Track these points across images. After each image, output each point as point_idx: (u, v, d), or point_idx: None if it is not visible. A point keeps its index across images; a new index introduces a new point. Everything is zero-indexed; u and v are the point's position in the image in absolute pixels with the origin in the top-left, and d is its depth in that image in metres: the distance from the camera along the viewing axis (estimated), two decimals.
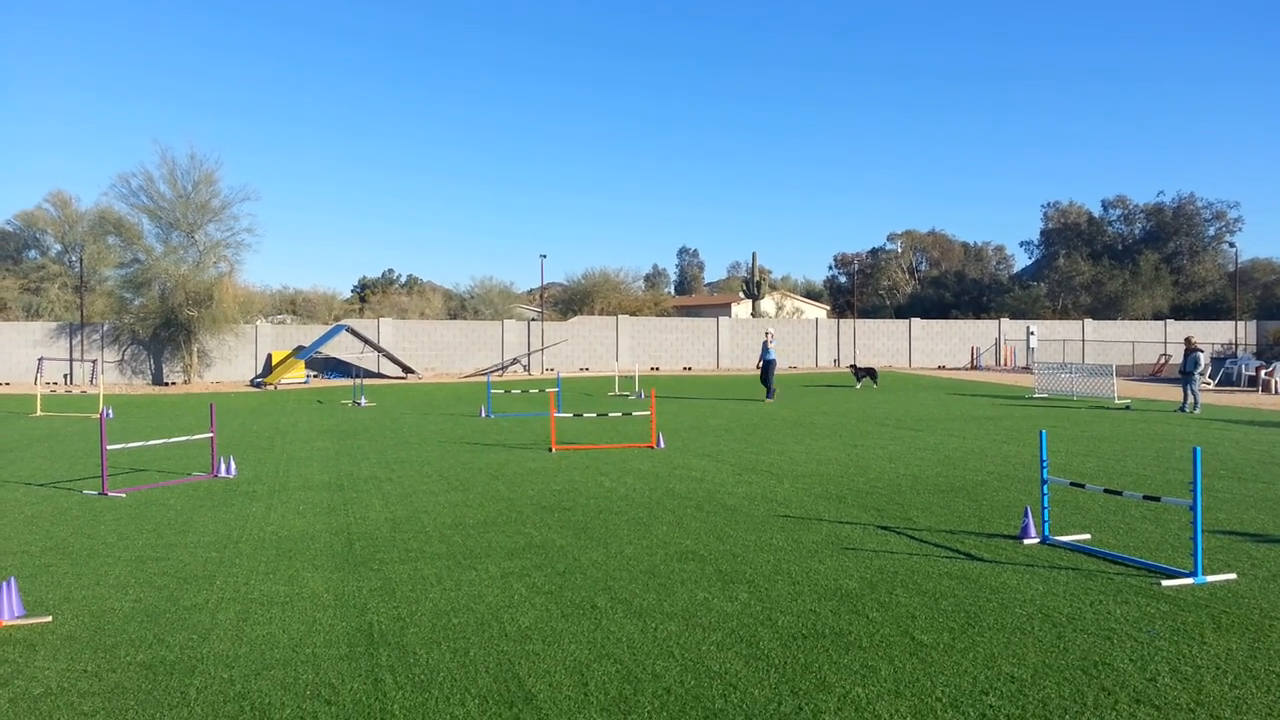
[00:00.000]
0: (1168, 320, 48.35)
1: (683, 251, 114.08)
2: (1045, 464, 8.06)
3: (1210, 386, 29.28)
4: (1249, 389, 28.92)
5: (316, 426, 18.73)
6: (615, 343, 41.08)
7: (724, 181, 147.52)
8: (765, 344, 24.43)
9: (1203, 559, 6.76)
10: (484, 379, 33.58)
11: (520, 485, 11.07)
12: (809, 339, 43.91)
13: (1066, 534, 8.10)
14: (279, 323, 44.45)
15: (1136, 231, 64.74)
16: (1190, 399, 20.96)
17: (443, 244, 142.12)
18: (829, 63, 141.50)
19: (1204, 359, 22.69)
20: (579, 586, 6.69)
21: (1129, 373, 36.58)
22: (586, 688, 4.80)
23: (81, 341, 34.89)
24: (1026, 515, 8.12)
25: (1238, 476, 11.28)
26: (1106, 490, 7.78)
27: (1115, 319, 51.10)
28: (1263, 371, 28.72)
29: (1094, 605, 6.11)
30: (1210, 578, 6.65)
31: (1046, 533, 7.93)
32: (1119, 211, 65.65)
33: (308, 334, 37.64)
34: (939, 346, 44.76)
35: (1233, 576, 6.72)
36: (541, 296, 46.37)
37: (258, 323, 37.85)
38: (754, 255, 55.60)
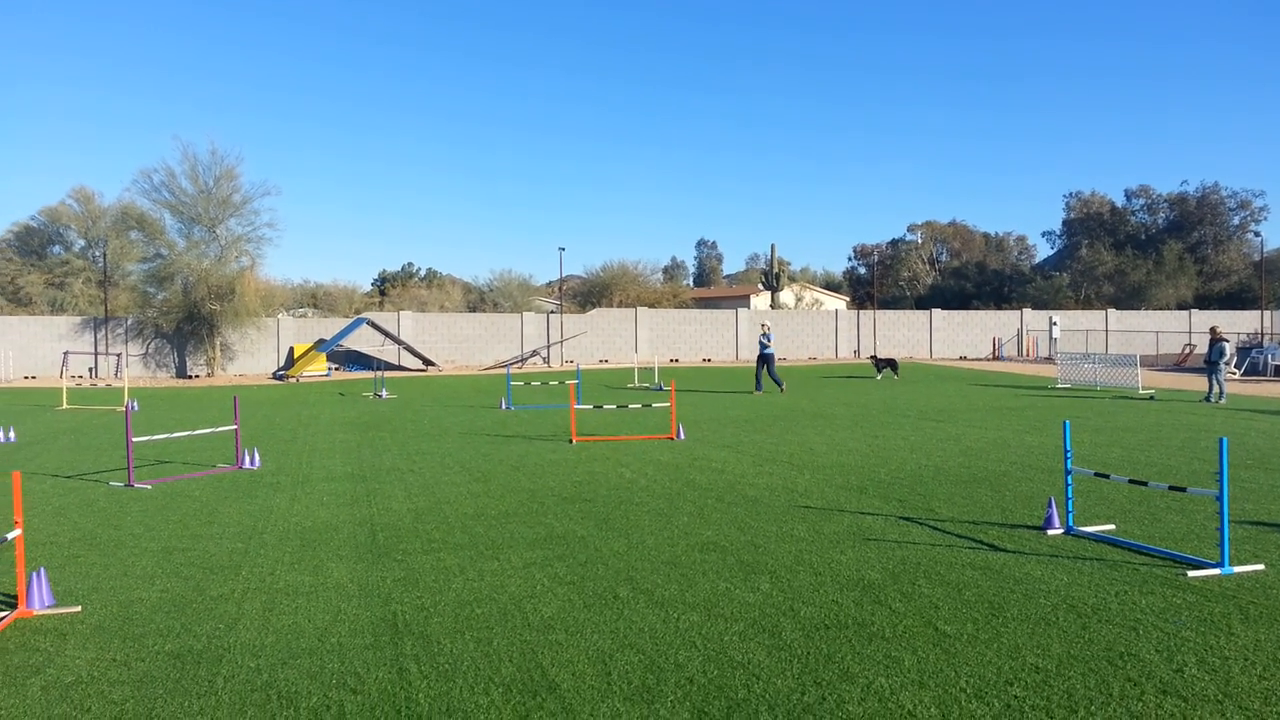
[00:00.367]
0: (1192, 310, 47.91)
1: (701, 243, 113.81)
2: (1069, 454, 8.01)
3: (1236, 376, 28.98)
4: (1275, 379, 28.59)
5: (338, 419, 18.84)
6: (634, 335, 41.09)
7: (743, 173, 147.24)
8: (761, 338, 24.01)
9: (1229, 549, 6.69)
10: (504, 371, 33.68)
11: (541, 476, 11.10)
12: (829, 330, 43.76)
13: (1091, 525, 8.04)
14: (300, 316, 44.74)
15: (1160, 221, 64.10)
16: (1215, 389, 20.75)
17: (462, 237, 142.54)
18: (849, 56, 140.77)
19: (1229, 348, 22.47)
20: (601, 577, 6.70)
21: (1153, 363, 36.25)
22: (609, 677, 4.81)
23: (106, 335, 35.23)
24: (1050, 506, 8.07)
25: (1264, 466, 11.17)
26: (1131, 480, 7.73)
27: (1139, 309, 50.65)
28: None
29: (1119, 596, 6.06)
30: (1237, 568, 6.59)
31: (1070, 523, 7.88)
32: (1142, 201, 65.04)
33: (329, 327, 37.85)
34: (960, 337, 44.51)
35: (1260, 567, 6.66)
36: (560, 289, 46.44)
37: (279, 316, 38.09)
38: (773, 247, 55.48)
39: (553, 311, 43.80)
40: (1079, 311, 48.16)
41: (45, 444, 15.13)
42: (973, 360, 41.78)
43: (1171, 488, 7.33)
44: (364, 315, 38.77)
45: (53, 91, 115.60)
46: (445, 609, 5.99)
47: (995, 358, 42.86)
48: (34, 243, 45.67)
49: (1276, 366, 29.68)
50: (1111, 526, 8.01)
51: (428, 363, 37.34)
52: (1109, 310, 46.67)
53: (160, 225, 35.59)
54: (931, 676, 4.76)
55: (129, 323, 35.65)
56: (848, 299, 68.90)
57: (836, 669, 4.88)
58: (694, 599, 6.14)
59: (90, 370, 34.79)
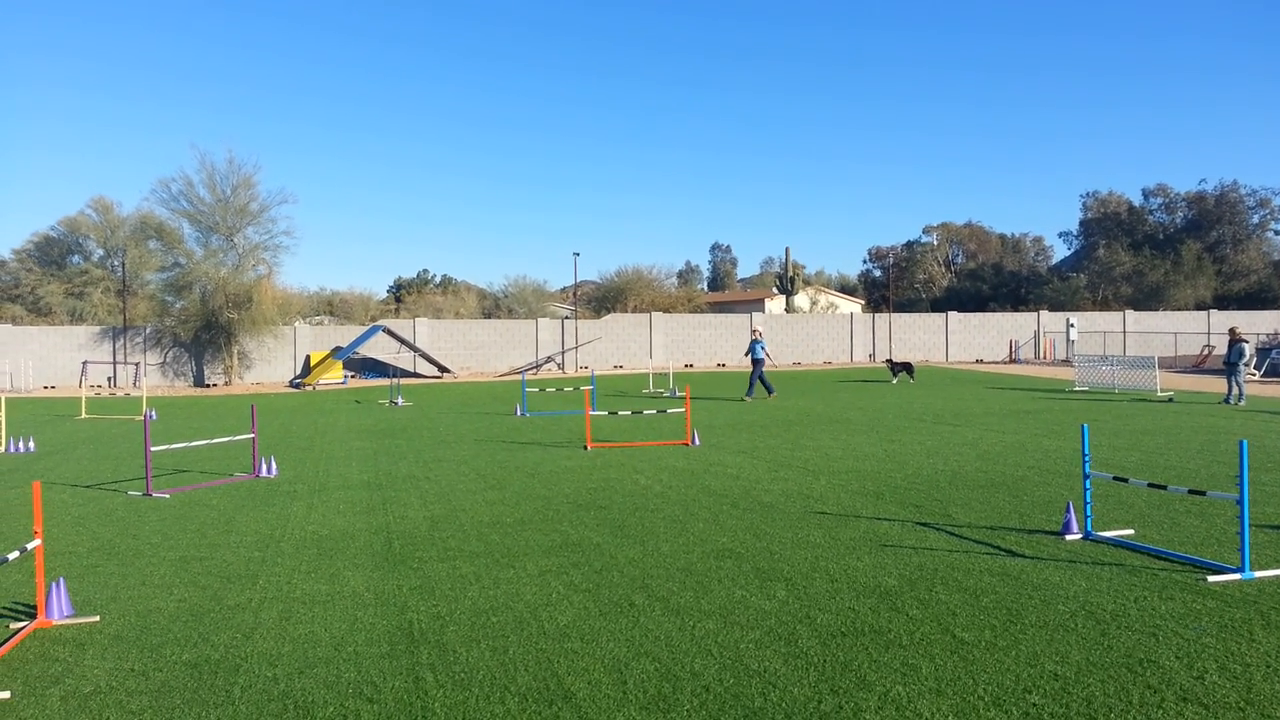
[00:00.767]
0: (1211, 310, 47.50)
1: (715, 248, 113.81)
2: (1087, 458, 7.95)
3: (1256, 377, 28.72)
4: None
5: (355, 426, 18.91)
6: (649, 340, 41.08)
7: (756, 177, 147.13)
8: (753, 342, 23.52)
9: (1250, 554, 6.63)
10: (519, 377, 33.73)
11: (556, 483, 11.11)
12: (844, 334, 43.64)
13: (1109, 529, 7.99)
14: (317, 324, 44.94)
15: (1178, 220, 63.63)
16: (1235, 390, 20.57)
17: (476, 244, 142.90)
18: (862, 56, 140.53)
19: (1249, 349, 22.27)
20: (616, 584, 6.70)
21: (1172, 364, 35.98)
22: (625, 686, 4.81)
23: (124, 345, 35.50)
24: (1068, 510, 8.01)
25: None
26: (1150, 484, 7.66)
27: (1157, 310, 50.28)
28: None
29: (1138, 602, 6.01)
30: (1258, 573, 6.52)
31: (1089, 528, 7.82)
32: (1160, 200, 64.58)
33: (345, 335, 38.02)
34: (976, 340, 44.29)
35: None
36: (575, 294, 46.47)
37: (296, 324, 38.28)
38: (787, 250, 55.37)
39: (567, 317, 43.85)
40: (1096, 313, 47.85)
41: (64, 453, 15.25)
42: (989, 363, 41.56)
43: (1191, 491, 7.26)
44: (380, 322, 38.91)
45: (71, 100, 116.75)
46: (461, 617, 6.00)
47: (1012, 360, 42.62)
48: (54, 253, 46.09)
49: None
50: (1130, 531, 7.95)
51: (443, 369, 37.44)
52: (1127, 311, 46.34)
53: (178, 234, 35.87)
54: (949, 684, 4.73)
55: (147, 332, 35.90)
56: (863, 302, 68.72)
57: (853, 677, 4.86)
58: (710, 606, 6.12)
59: (109, 380, 35.05)
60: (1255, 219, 61.37)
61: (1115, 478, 7.91)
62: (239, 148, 44.38)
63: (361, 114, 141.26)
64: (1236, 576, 6.46)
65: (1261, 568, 6.65)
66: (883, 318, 44.30)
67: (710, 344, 42.01)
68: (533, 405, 22.60)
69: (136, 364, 35.16)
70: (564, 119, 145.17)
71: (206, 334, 35.12)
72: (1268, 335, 40.18)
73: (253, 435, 12.54)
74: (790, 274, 54.97)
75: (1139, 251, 58.87)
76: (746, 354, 23.49)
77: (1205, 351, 37.76)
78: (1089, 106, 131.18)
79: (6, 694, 4.83)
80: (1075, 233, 68.76)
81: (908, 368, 29.75)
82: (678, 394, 25.76)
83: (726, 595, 6.37)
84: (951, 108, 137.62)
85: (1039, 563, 7.04)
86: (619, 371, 38.95)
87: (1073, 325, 43.08)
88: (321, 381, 34.23)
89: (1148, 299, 55.07)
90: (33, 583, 6.81)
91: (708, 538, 8.11)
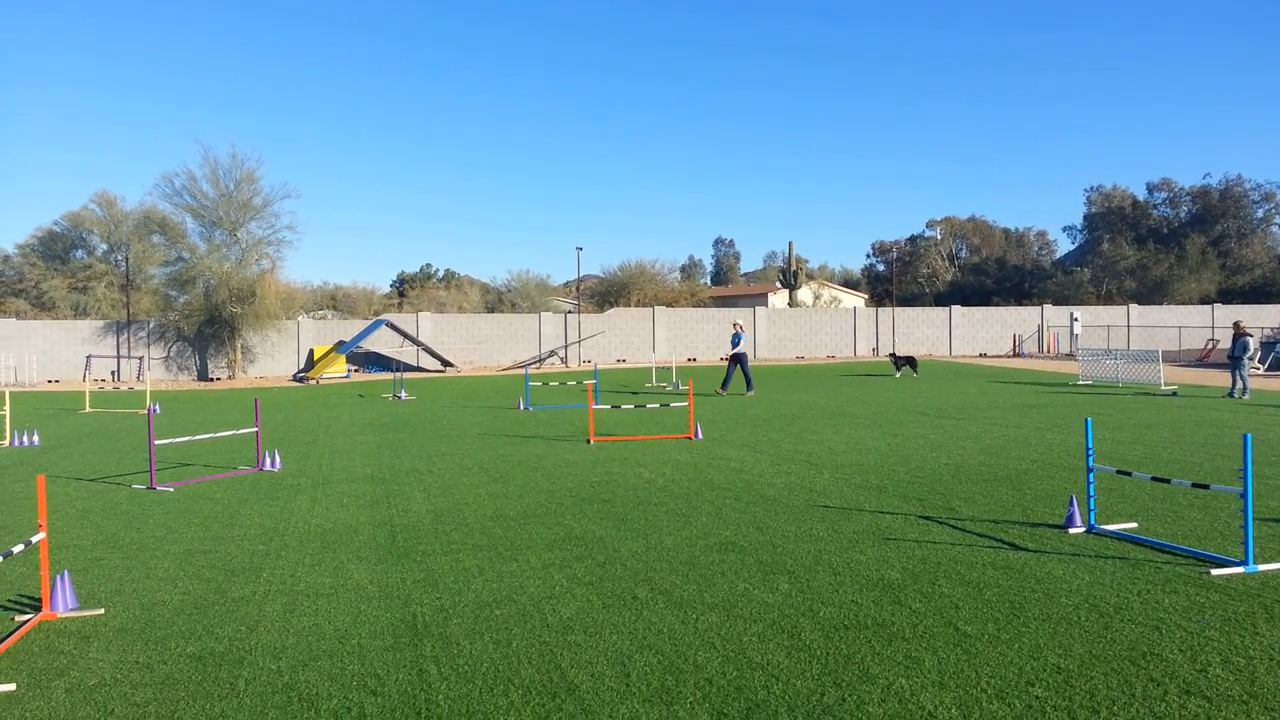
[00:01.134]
0: (1215, 304, 47.41)
1: (719, 242, 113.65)
2: (1091, 451, 7.95)
3: (1260, 371, 28.66)
4: None
5: (358, 420, 18.93)
6: (652, 334, 41.07)
7: (760, 172, 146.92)
8: (735, 336, 23.20)
9: (1254, 547, 6.63)
10: (522, 372, 33.74)
11: (559, 477, 11.12)
12: (847, 328, 43.61)
13: (1113, 523, 7.98)
14: (320, 318, 44.98)
15: (1182, 214, 63.51)
16: (1239, 384, 20.53)
17: (480, 238, 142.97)
18: (867, 51, 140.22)
19: (1253, 343, 22.22)
20: (619, 578, 6.70)
21: (1175, 358, 35.92)
22: (628, 678, 4.81)
23: (128, 339, 35.54)
24: (1072, 504, 8.01)
25: None
26: (1154, 478, 7.65)
27: (1161, 304, 50.18)
28: None
29: (1142, 595, 6.01)
30: (1262, 566, 6.52)
31: (1092, 521, 7.82)
32: (1164, 194, 64.46)
33: (348, 329, 38.03)
34: (980, 334, 44.24)
35: None
36: (578, 289, 46.48)
37: (299, 318, 38.29)
38: (790, 244, 55.35)
39: (570, 311, 43.85)
40: (1100, 307, 47.78)
41: (69, 447, 15.28)
42: (993, 357, 41.52)
43: (1195, 485, 7.26)
44: (383, 317, 38.93)
45: (74, 95, 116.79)
46: (465, 610, 6.01)
47: (1016, 354, 42.58)
48: (57, 247, 46.11)
49: None
50: (1134, 525, 7.95)
51: (446, 364, 37.47)
52: (1131, 306, 46.25)
53: (182, 229, 35.87)
54: (952, 677, 4.73)
55: (151, 326, 35.94)
56: (866, 296, 68.66)
57: (856, 670, 4.86)
58: (713, 599, 6.13)
59: (113, 374, 35.10)
60: (1260, 213, 61.27)
61: (1119, 471, 7.90)
62: (242, 142, 44.52)
63: (365, 109, 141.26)
64: (1240, 570, 6.46)
65: (1265, 561, 6.65)
66: (886, 312, 44.25)
67: (713, 338, 41.98)
68: (536, 399, 22.60)
69: (140, 358, 35.21)
70: (567, 114, 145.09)
71: (210, 328, 35.15)
72: (1272, 329, 40.10)
73: (256, 429, 12.56)
74: (793, 268, 54.94)
75: (1143, 246, 58.77)
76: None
77: (1209, 345, 37.70)
78: (1093, 101, 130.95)
79: (12, 686, 4.85)
80: (1079, 227, 68.72)
81: (911, 362, 29.72)
82: (681, 388, 25.76)
83: (729, 588, 6.37)
84: (955, 102, 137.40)
85: (1042, 556, 7.04)
86: (622, 366, 38.95)
87: (1076, 319, 43.02)
88: (325, 376, 34.26)
89: (1152, 293, 55.00)
90: (37, 576, 6.83)
91: (711, 531, 8.11)
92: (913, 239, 78.23)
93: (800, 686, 4.66)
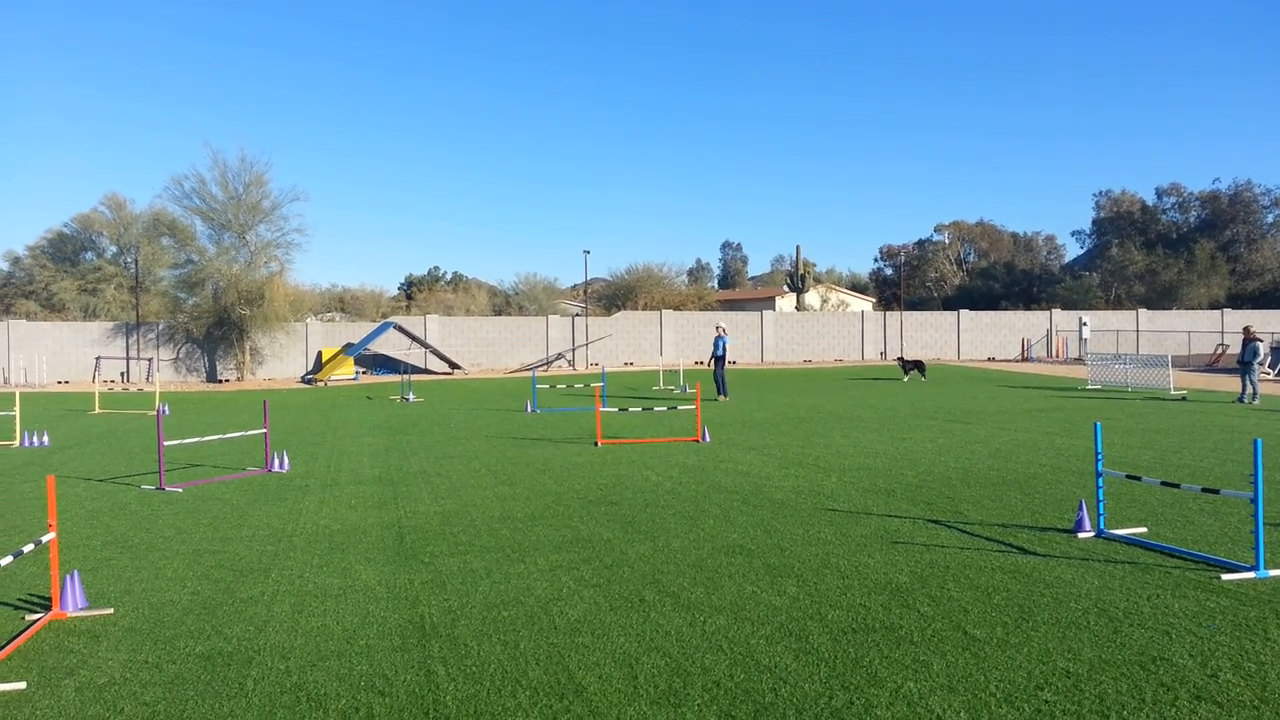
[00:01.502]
0: (1225, 309, 47.23)
1: (726, 245, 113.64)
2: (1100, 456, 7.92)
3: (1270, 376, 28.54)
4: None
5: (366, 422, 18.97)
6: (659, 337, 41.07)
7: (768, 175, 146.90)
8: (717, 339, 22.96)
9: (1264, 552, 6.60)
10: (529, 374, 33.77)
11: (567, 479, 11.12)
12: (855, 332, 43.54)
13: (1122, 527, 7.95)
14: (328, 320, 45.10)
15: (1192, 219, 63.32)
16: (1249, 389, 20.45)
17: (488, 241, 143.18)
18: (876, 55, 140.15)
19: (1263, 348, 22.15)
20: (627, 580, 6.70)
21: (1185, 363, 35.79)
22: (636, 680, 4.81)
23: (138, 340, 35.67)
24: (1081, 508, 7.98)
25: None
26: (1164, 483, 7.63)
27: (1170, 309, 50.01)
28: None
29: (1151, 600, 5.99)
30: (1273, 571, 6.48)
31: (1102, 526, 7.79)
32: (1173, 199, 64.29)
33: (356, 331, 38.12)
34: (988, 338, 44.14)
35: None
36: (585, 292, 46.52)
37: (308, 321, 38.40)
38: (798, 248, 55.31)
39: (578, 314, 43.87)
40: (1109, 312, 47.62)
41: (78, 448, 15.33)
42: (1001, 362, 41.41)
43: (1205, 490, 7.22)
44: (391, 319, 39.01)
45: (84, 98, 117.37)
46: (472, 611, 6.01)
47: (1024, 359, 42.46)
48: (67, 249, 46.35)
49: None
50: (1144, 529, 7.92)
51: (454, 366, 37.52)
52: (1140, 310, 46.09)
53: (191, 231, 36.02)
54: (961, 681, 4.72)
55: (160, 328, 36.07)
56: (874, 300, 68.56)
57: (864, 673, 4.85)
58: (720, 602, 6.12)
59: (122, 375, 35.23)
60: (1270, 218, 61.04)
61: (1128, 476, 7.87)
62: (251, 145, 44.63)
63: (373, 112, 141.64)
64: (1251, 575, 6.43)
65: (1276, 566, 6.61)
66: (894, 316, 44.18)
67: None
68: (543, 402, 22.62)
69: (149, 360, 35.34)
70: (576, 117, 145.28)
71: (219, 330, 35.27)
72: None
73: (265, 430, 12.59)
74: (801, 272, 54.88)
75: (1152, 250, 58.59)
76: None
77: (1219, 351, 37.54)
78: (1102, 105, 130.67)
79: (22, 685, 4.87)
80: (1088, 231, 68.60)
81: (919, 366, 29.66)
82: (688, 391, 25.74)
83: (737, 591, 6.36)
84: (964, 106, 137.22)
85: (1051, 560, 7.02)
86: (629, 368, 38.96)
87: (1085, 324, 42.88)
88: (333, 378, 34.34)
89: (1161, 298, 54.81)
90: (48, 575, 6.85)
91: (718, 534, 8.10)
92: (921, 243, 78.15)
93: (808, 689, 4.65)
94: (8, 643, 5.51)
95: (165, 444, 11.27)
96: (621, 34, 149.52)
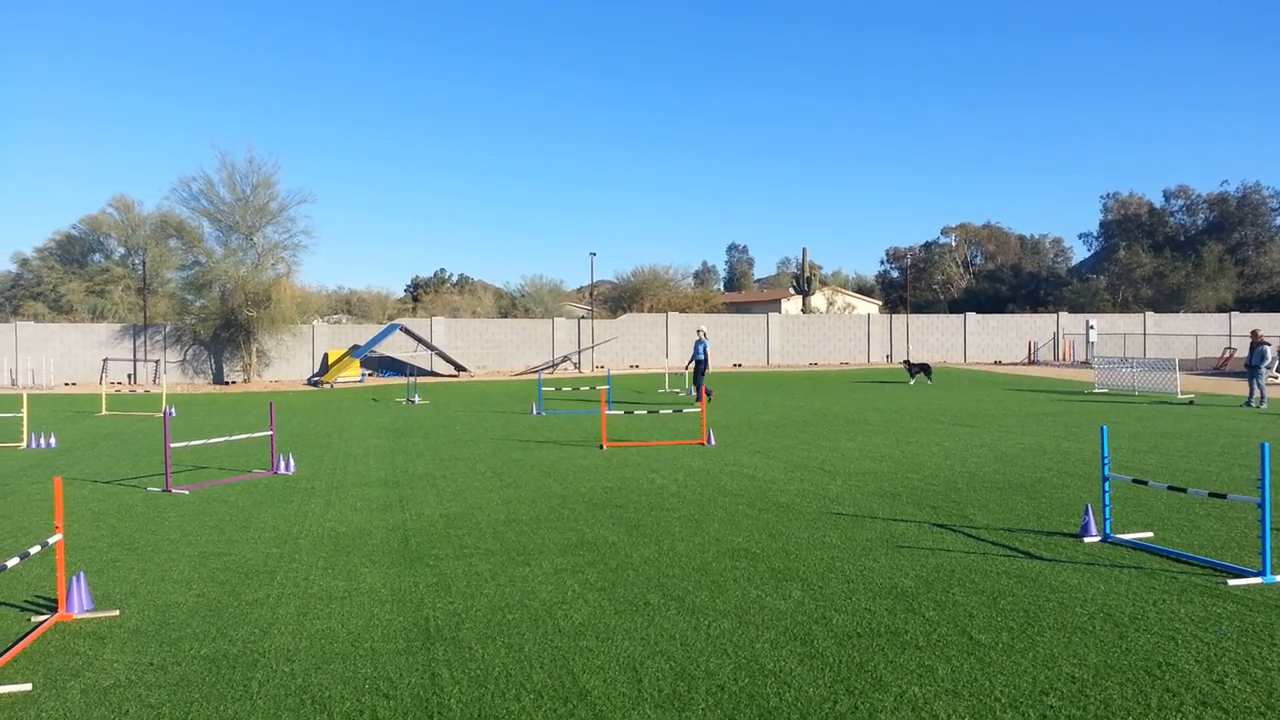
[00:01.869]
0: (1232, 312, 47.08)
1: (732, 248, 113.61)
2: (1107, 460, 7.90)
3: (1278, 380, 28.44)
4: None
5: (372, 424, 18.99)
6: (665, 340, 41.07)
7: (773, 178, 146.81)
8: (697, 342, 22.60)
9: (1271, 558, 6.57)
10: (535, 377, 33.79)
11: (572, 482, 11.12)
12: (861, 335, 43.50)
13: (1129, 532, 7.93)
14: (335, 322, 45.16)
15: (1199, 222, 63.12)
16: (1257, 393, 20.39)
17: (493, 243, 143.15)
18: (881, 57, 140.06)
19: (1271, 352, 22.06)
20: (631, 583, 6.70)
21: (1192, 367, 35.68)
22: (640, 684, 4.81)
23: (144, 342, 35.77)
24: (1087, 513, 7.96)
25: None
26: (1170, 487, 7.60)
27: (1178, 312, 49.88)
28: None
29: (1157, 605, 5.97)
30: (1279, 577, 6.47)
31: (1108, 531, 7.77)
32: (1181, 202, 64.08)
33: (363, 333, 38.18)
34: (995, 341, 44.06)
35: None
36: (591, 294, 46.53)
37: (314, 322, 38.46)
38: (804, 251, 55.24)
39: (584, 317, 43.90)
40: (1116, 315, 47.50)
41: (85, 450, 15.38)
42: (1008, 365, 41.34)
43: (1211, 494, 7.20)
44: (397, 321, 39.06)
45: (92, 99, 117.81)
46: (477, 614, 6.02)
47: (1031, 362, 42.38)
48: (75, 251, 46.48)
49: None
50: (1150, 534, 7.89)
51: (460, 368, 37.56)
52: (1147, 313, 45.97)
53: (199, 233, 36.09)
54: (966, 686, 4.71)
55: (167, 330, 36.17)
56: (880, 303, 68.45)
57: (869, 678, 4.84)
58: (725, 606, 6.12)
59: (129, 377, 35.32)
60: (1278, 221, 60.80)
61: (1135, 480, 7.85)
62: (259, 147, 44.74)
63: (380, 114, 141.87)
64: (1257, 580, 6.41)
65: None
66: (900, 319, 44.13)
67: (726, 344, 41.96)
68: (549, 404, 22.62)
69: (156, 361, 35.43)
70: (583, 119, 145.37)
71: (226, 332, 35.35)
72: None
73: (271, 432, 12.61)
74: (807, 274, 54.82)
75: (1159, 253, 58.43)
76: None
77: (1226, 354, 37.43)
78: (1110, 107, 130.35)
79: (28, 686, 4.88)
80: (1095, 234, 68.41)
81: (925, 369, 29.62)
82: (694, 394, 25.72)
83: (742, 595, 6.36)
84: (971, 108, 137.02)
85: (1057, 565, 7.00)
86: (635, 371, 38.96)
87: (1092, 327, 42.79)
88: (339, 380, 34.40)
89: (1168, 301, 54.65)
90: (54, 577, 6.88)
91: (723, 537, 8.10)
92: (927, 245, 78.01)
93: (813, 694, 4.65)
94: (14, 644, 5.53)
95: (172, 446, 11.30)
96: (628, 36, 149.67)
